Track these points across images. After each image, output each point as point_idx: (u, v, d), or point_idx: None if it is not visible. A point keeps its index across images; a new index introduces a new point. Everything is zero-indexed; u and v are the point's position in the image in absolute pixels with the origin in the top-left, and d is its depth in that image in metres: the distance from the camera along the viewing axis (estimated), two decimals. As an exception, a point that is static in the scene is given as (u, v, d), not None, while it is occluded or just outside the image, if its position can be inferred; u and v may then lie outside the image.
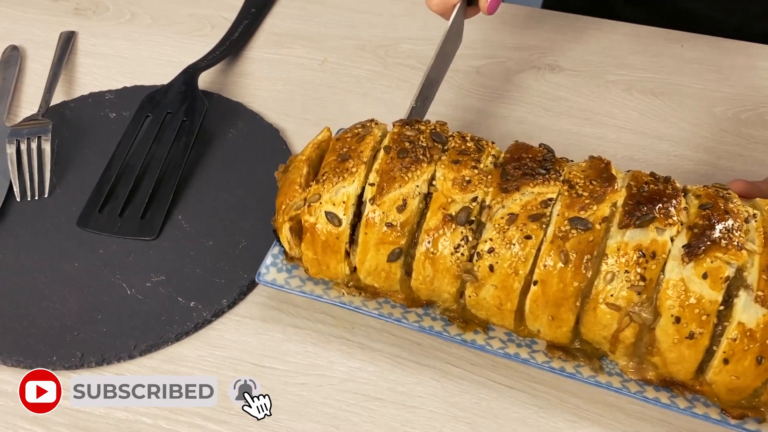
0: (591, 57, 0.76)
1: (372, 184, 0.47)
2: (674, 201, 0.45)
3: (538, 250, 0.45)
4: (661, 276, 0.43)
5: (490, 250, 0.45)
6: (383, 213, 0.47)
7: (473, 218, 0.46)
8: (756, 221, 0.45)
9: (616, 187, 0.46)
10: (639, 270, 0.43)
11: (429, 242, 0.46)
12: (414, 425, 0.48)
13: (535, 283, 0.45)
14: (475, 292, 0.46)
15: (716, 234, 0.43)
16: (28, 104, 0.73)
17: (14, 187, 0.62)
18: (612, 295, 0.44)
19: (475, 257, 0.46)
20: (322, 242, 0.48)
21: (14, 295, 0.55)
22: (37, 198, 0.62)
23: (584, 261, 0.44)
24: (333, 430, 0.48)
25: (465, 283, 0.47)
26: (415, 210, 0.47)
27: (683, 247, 0.43)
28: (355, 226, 0.48)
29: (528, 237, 0.45)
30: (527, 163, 0.48)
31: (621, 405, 0.49)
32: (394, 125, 0.52)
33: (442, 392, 0.50)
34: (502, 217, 0.45)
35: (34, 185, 0.62)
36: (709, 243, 0.43)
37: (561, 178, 0.47)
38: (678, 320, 0.43)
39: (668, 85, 0.73)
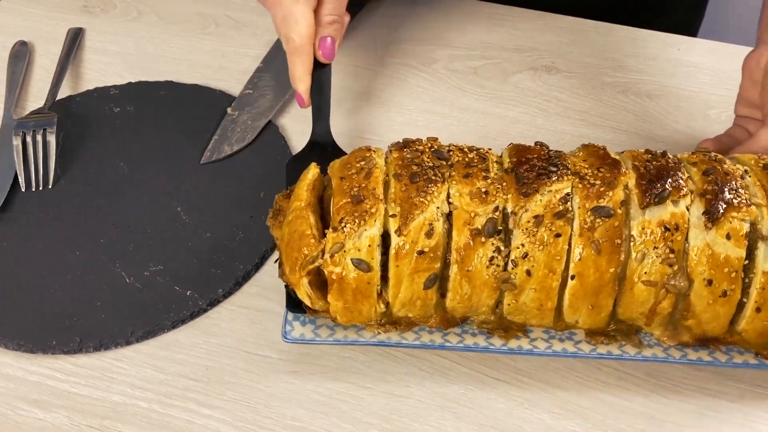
0: (588, 59, 0.77)
1: (393, 215, 0.46)
2: (680, 173, 0.48)
3: (569, 245, 0.46)
4: (686, 245, 0.46)
5: (525, 256, 0.45)
6: (412, 242, 0.45)
7: (500, 227, 0.46)
8: (750, 176, 0.48)
9: (623, 170, 0.48)
10: (667, 244, 0.45)
11: (462, 261, 0.46)
12: (402, 414, 0.49)
13: (573, 277, 0.46)
14: (515, 299, 0.47)
15: (727, 196, 0.46)
16: (36, 98, 0.74)
17: (19, 177, 0.64)
18: (646, 273, 0.46)
19: (510, 265, 0.46)
20: (353, 290, 0.46)
21: (17, 282, 0.57)
22: (41, 189, 0.63)
23: (615, 246, 0.45)
24: (323, 417, 0.49)
25: (503, 292, 0.47)
26: (442, 232, 0.46)
27: (703, 214, 0.46)
28: (384, 264, 0.47)
29: (558, 235, 0.45)
30: (536, 164, 0.48)
31: (606, 398, 0.50)
32: (391, 151, 0.50)
33: (429, 383, 0.51)
34: (528, 221, 0.46)
35: (38, 176, 0.64)
36: (725, 205, 0.45)
37: (569, 172, 0.48)
38: (710, 282, 0.45)
39: (663, 87, 0.74)
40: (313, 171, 0.51)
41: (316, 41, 0.60)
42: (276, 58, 0.77)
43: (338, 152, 0.61)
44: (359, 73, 0.76)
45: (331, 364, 0.52)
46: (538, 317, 0.48)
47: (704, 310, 0.46)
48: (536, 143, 0.52)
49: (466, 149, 0.50)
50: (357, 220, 0.46)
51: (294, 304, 0.50)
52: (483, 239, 0.46)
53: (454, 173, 0.48)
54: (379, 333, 0.49)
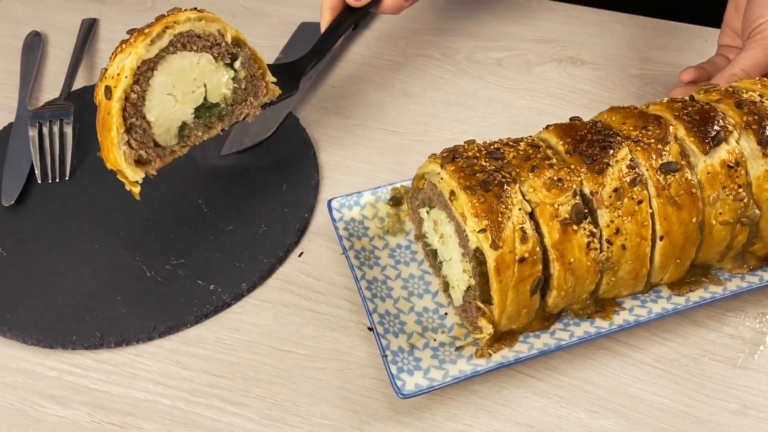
0: (613, 51, 0.76)
1: (482, 230, 0.43)
2: (719, 112, 0.49)
3: (650, 208, 0.46)
4: (748, 177, 0.48)
5: (617, 231, 0.46)
6: (510, 251, 0.43)
7: (585, 211, 0.45)
8: (766, 99, 0.50)
9: (669, 123, 0.48)
10: (734, 181, 0.47)
11: (562, 255, 0.45)
12: (434, 412, 0.48)
13: (661, 238, 0.47)
14: (614, 276, 0.47)
15: (766, 121, 0.49)
16: (50, 88, 0.73)
17: (36, 169, 0.62)
18: (721, 213, 0.48)
19: (605, 245, 0.46)
20: (100, 119, 0.47)
21: (34, 275, 0.55)
22: (57, 180, 0.62)
23: (693, 197, 0.47)
24: (352, 414, 0.48)
25: (603, 274, 0.47)
26: (533, 233, 0.44)
27: (758, 143, 0.48)
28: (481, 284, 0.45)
29: (640, 201, 0.46)
30: (593, 138, 0.48)
31: (643, 396, 0.48)
32: (443, 167, 0.47)
33: (462, 380, 0.49)
34: (610, 196, 0.46)
35: (55, 168, 0.62)
36: None
37: (622, 138, 0.48)
38: None
39: (691, 79, 0.72)
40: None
41: None
42: (295, 48, 0.75)
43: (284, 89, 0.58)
44: (381, 65, 0.75)
45: (358, 361, 0.50)
46: (632, 286, 0.49)
47: None
48: (572, 118, 0.51)
49: (511, 142, 0.49)
50: (121, 52, 0.48)
51: None
52: (575, 227, 0.45)
53: (518, 170, 0.46)
54: (490, 355, 0.47)
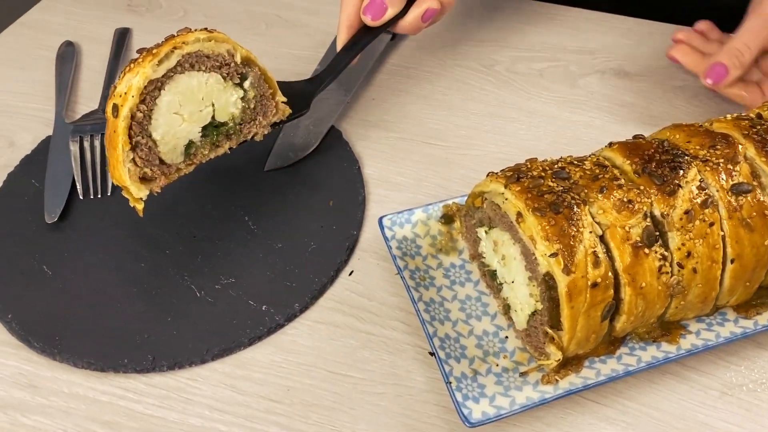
0: (655, 62, 0.75)
1: (554, 255, 0.43)
2: None
3: (722, 230, 0.45)
4: None
5: (688, 254, 0.45)
6: (583, 276, 0.42)
7: (656, 234, 0.44)
8: None
9: (738, 142, 0.47)
10: None
11: (634, 279, 0.44)
12: (498, 439, 0.47)
13: (732, 261, 0.46)
14: (683, 300, 0.46)
15: None
16: (85, 100, 0.72)
17: (77, 184, 0.61)
18: None
19: (676, 268, 0.45)
20: (108, 136, 0.48)
21: (80, 295, 0.54)
22: (99, 196, 0.61)
23: (765, 218, 0.46)
24: (414, 442, 0.46)
25: (672, 298, 0.46)
26: (605, 257, 0.43)
27: None
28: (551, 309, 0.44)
29: (711, 224, 0.45)
30: (662, 158, 0.47)
31: (714, 423, 0.47)
32: (507, 187, 0.46)
33: (525, 405, 0.48)
34: (681, 218, 0.45)
35: (97, 183, 0.61)
36: None
37: (689, 158, 0.47)
38: None
39: (738, 91, 0.71)
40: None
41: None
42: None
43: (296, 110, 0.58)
44: (420, 76, 0.74)
45: (417, 385, 0.49)
46: (698, 309, 0.48)
47: None
48: (635, 136, 0.50)
49: (575, 161, 0.48)
50: (129, 71, 0.47)
51: None
52: (646, 251, 0.44)
53: (587, 190, 0.45)
54: (557, 381, 0.46)
